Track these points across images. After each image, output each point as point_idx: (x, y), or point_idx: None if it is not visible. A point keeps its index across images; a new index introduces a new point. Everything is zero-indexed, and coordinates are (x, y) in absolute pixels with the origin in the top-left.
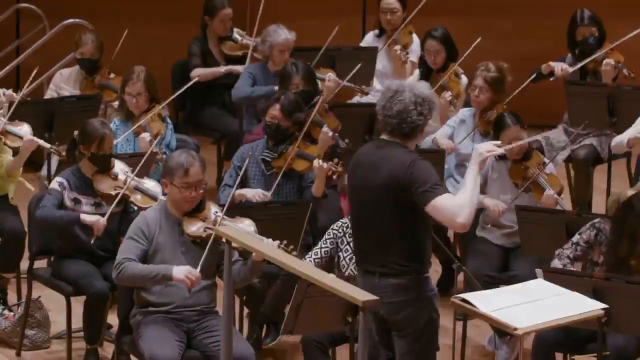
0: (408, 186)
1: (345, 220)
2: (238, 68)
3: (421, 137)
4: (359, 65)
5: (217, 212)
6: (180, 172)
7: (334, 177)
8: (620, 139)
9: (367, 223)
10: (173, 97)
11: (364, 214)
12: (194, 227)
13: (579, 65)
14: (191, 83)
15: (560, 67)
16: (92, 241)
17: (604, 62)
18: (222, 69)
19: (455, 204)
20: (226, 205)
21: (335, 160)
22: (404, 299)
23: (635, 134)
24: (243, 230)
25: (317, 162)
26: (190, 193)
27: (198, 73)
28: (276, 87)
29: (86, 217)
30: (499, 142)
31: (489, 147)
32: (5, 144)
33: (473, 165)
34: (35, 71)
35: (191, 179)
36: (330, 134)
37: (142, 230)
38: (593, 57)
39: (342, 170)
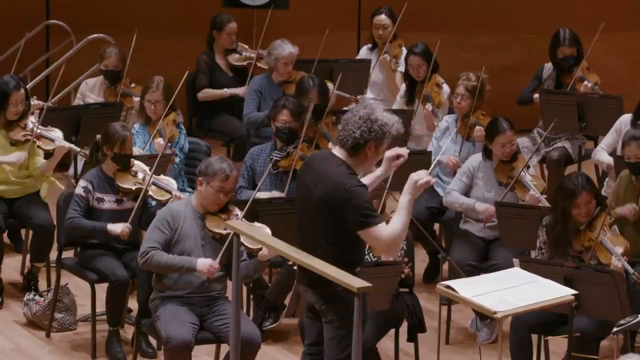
0: (341, 210)
1: None
2: (239, 92)
3: (367, 160)
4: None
5: (237, 214)
6: (221, 176)
7: None
8: (602, 160)
9: (305, 223)
10: (172, 99)
11: (303, 215)
12: (217, 225)
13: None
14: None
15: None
16: (120, 246)
17: (584, 84)
18: (226, 93)
19: (388, 233)
20: (245, 208)
21: None
22: (332, 290)
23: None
24: (259, 231)
25: None
26: (222, 197)
27: (204, 96)
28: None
29: (112, 228)
30: (430, 178)
31: (424, 176)
32: (38, 147)
33: (408, 193)
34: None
35: (228, 185)
36: None
37: (167, 221)
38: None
39: None
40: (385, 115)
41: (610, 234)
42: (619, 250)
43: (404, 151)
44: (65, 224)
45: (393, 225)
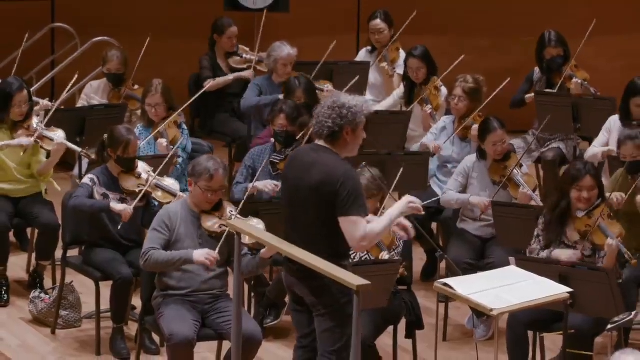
0: (335, 194)
1: None
2: (245, 74)
3: (349, 145)
4: (356, 78)
5: (232, 210)
6: (206, 176)
7: None
8: (594, 152)
9: (295, 217)
10: (186, 105)
11: (293, 208)
12: (211, 223)
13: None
14: (202, 91)
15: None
16: (119, 227)
17: (573, 81)
18: (231, 76)
19: (366, 228)
20: (240, 205)
21: None
22: (322, 283)
23: (607, 148)
24: (253, 227)
25: None
26: (211, 195)
27: (210, 82)
28: (280, 96)
29: (115, 206)
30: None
31: (418, 203)
32: (41, 147)
33: (399, 209)
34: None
35: (215, 184)
36: None
37: (164, 222)
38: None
39: None
40: (352, 98)
41: (607, 221)
42: (615, 233)
43: (408, 225)
44: (70, 202)
45: (373, 224)
